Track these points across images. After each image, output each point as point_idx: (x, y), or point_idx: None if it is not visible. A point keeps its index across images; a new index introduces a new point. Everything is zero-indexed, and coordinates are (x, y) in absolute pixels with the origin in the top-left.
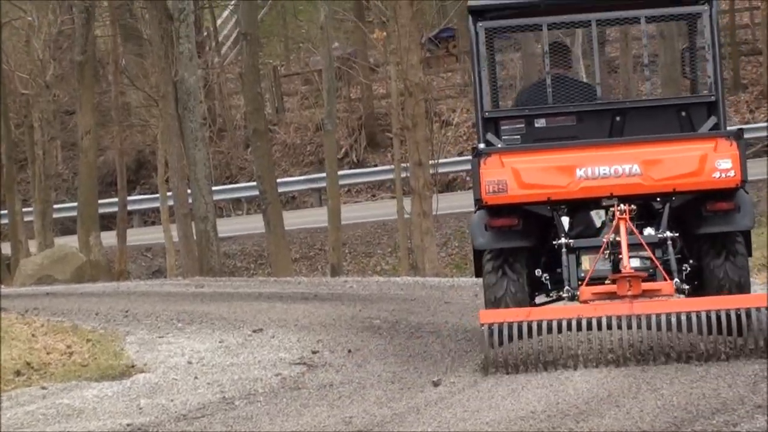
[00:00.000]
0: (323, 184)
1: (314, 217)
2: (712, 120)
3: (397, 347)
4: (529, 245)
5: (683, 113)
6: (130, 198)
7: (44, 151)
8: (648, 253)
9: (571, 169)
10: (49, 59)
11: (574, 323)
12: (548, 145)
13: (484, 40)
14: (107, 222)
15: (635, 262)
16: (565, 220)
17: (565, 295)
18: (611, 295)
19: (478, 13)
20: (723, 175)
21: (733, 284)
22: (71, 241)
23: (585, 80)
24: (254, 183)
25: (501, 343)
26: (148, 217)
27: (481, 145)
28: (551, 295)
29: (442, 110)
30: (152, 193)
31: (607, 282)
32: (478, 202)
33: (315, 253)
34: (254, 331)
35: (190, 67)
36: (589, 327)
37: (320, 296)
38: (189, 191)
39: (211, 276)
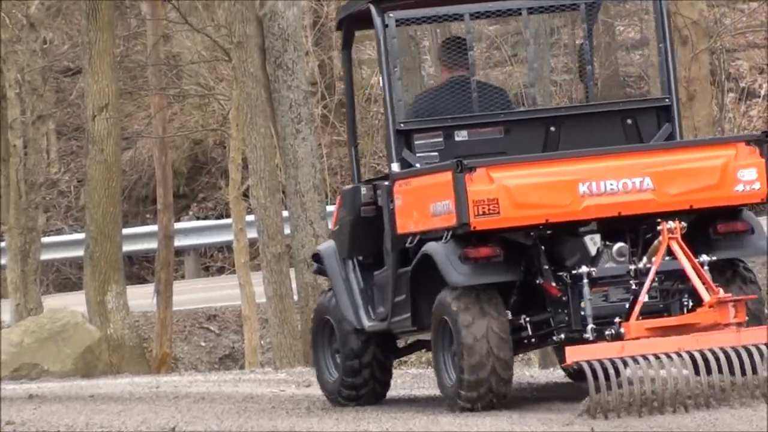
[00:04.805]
0: None
1: None
2: (666, 129)
3: None
4: (516, 279)
5: (629, 121)
6: (178, 225)
7: (26, 142)
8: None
9: (573, 185)
10: None
11: (685, 357)
12: (544, 155)
13: (395, 33)
14: (138, 268)
15: (645, 296)
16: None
17: (590, 336)
18: (670, 330)
19: (385, 0)
20: (747, 188)
21: (750, 316)
22: (74, 302)
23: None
24: None
25: (609, 387)
26: (212, 261)
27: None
28: (531, 341)
29: (741, 70)
30: (218, 218)
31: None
32: (464, 227)
33: None
34: None
35: None
36: (693, 361)
37: None
38: (285, 213)
39: None
